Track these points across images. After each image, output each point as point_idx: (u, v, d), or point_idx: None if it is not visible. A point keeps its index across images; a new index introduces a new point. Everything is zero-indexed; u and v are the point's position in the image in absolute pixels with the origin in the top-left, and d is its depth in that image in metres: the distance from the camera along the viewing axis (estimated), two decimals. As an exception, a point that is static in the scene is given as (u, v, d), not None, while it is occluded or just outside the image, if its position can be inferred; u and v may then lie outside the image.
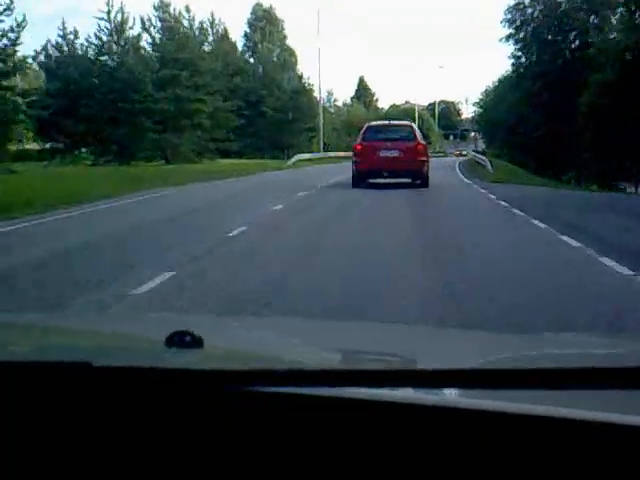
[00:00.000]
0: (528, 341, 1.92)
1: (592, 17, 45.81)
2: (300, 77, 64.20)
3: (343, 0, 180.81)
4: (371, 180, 20.89)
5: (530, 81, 45.59)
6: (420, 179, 20.67)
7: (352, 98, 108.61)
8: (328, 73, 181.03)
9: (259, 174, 34.05)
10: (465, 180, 28.79)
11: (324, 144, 53.85)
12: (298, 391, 1.08)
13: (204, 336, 1.31)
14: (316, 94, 64.62)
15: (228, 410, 1.08)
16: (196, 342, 1.29)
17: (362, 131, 22.24)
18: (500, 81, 61.86)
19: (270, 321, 3.18)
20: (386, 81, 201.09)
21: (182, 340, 1.29)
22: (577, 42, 46.39)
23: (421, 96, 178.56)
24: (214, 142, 50.36)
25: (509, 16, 47.30)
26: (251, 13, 65.84)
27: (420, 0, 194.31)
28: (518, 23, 47.32)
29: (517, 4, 47.18)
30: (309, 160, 48.19)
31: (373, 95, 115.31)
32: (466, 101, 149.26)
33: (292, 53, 65.27)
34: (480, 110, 75.32)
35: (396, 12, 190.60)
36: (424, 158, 20.92)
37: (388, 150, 20.62)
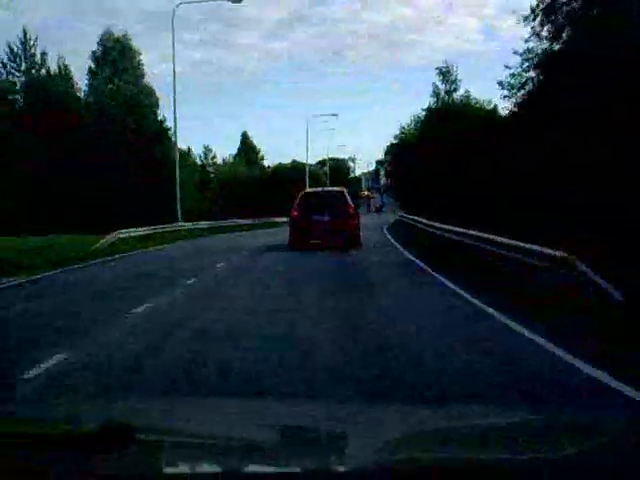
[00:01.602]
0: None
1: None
2: (161, 122, 50.50)
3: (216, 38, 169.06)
4: (310, 242, 22.30)
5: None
6: (352, 242, 22.09)
7: (235, 156, 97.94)
8: (205, 127, 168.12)
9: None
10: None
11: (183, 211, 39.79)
12: None
13: (136, 427, 1.34)
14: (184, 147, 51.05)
15: None
16: (128, 434, 1.30)
17: (298, 198, 23.93)
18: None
19: (199, 404, 2.89)
20: (272, 138, 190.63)
21: (113, 433, 1.29)
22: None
23: (310, 154, 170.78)
24: None
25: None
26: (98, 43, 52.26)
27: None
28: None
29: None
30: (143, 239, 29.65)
31: (258, 152, 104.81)
32: (354, 160, 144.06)
33: (151, 92, 51.61)
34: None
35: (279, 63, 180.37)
36: (356, 221, 22.98)
37: (322, 215, 22.51)
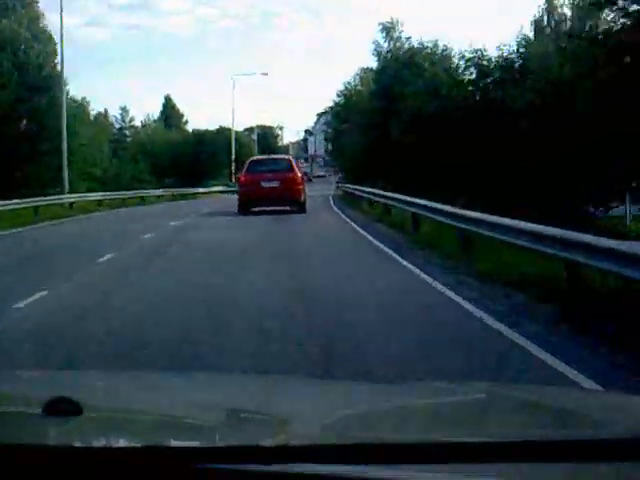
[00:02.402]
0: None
1: None
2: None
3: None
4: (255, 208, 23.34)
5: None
6: (298, 205, 23.39)
7: (156, 120, 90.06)
8: (122, 86, 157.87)
9: None
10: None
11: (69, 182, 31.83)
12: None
13: (82, 401, 1.33)
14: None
15: None
16: (75, 409, 1.30)
17: (246, 164, 25.86)
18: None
19: (145, 376, 2.99)
20: (199, 105, 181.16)
21: (60, 408, 1.29)
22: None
23: (238, 122, 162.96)
24: None
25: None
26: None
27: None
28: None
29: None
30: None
31: (182, 117, 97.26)
32: (281, 128, 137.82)
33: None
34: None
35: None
36: (301, 187, 23.81)
37: (269, 181, 23.28)
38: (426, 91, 27.68)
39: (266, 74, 70.15)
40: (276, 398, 1.97)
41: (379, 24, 50.50)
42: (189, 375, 3.35)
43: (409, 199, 16.66)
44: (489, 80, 24.66)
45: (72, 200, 30.02)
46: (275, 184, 23.06)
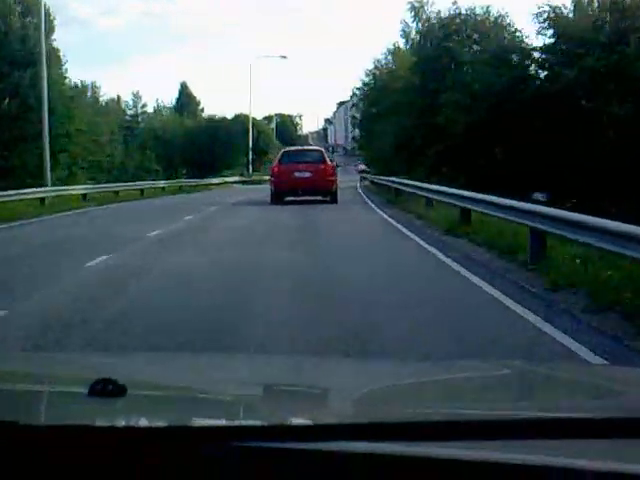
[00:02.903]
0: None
1: None
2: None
3: None
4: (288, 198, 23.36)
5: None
6: (330, 196, 23.40)
7: (174, 107, 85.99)
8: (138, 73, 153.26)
9: None
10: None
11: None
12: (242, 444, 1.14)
13: (127, 382, 1.38)
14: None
15: (153, 466, 1.13)
16: (119, 390, 1.35)
17: (278, 155, 26.32)
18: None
19: (190, 358, 2.97)
20: (216, 89, 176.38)
21: (105, 389, 1.34)
22: None
23: (256, 110, 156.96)
24: None
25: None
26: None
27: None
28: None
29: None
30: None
31: (198, 104, 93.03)
32: (301, 117, 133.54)
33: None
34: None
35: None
36: (333, 178, 23.78)
37: (301, 172, 23.37)
38: (493, 61, 22.22)
39: (285, 57, 64.66)
40: (310, 376, 2.05)
41: (408, 3, 45.90)
42: (228, 355, 3.75)
43: (520, 205, 10.04)
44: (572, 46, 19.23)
45: (42, 195, 24.08)
46: (308, 175, 23.27)
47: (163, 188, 37.42)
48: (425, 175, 23.28)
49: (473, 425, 1.25)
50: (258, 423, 1.36)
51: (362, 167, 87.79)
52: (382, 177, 31.17)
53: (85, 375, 1.55)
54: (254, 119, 67.25)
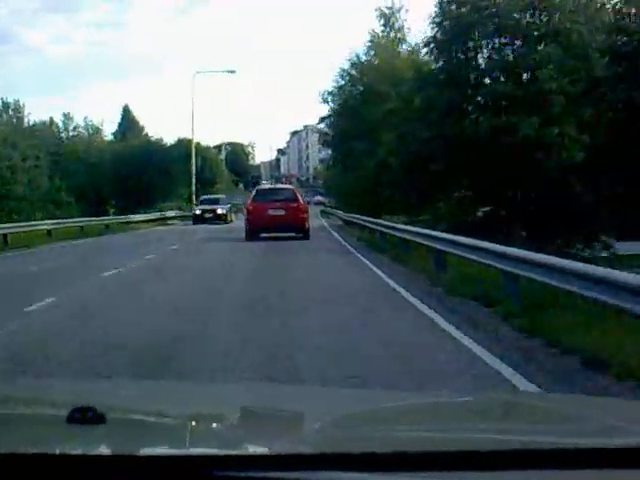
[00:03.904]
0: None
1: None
2: None
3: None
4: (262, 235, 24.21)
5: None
6: (302, 233, 24.24)
7: (115, 133, 78.38)
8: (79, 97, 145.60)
9: None
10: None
11: None
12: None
13: (105, 410, 1.35)
14: None
15: None
16: (98, 418, 1.33)
17: (252, 193, 27.48)
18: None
19: (169, 386, 3.07)
20: (161, 115, 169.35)
21: (84, 416, 1.32)
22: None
23: (205, 136, 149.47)
24: None
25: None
26: None
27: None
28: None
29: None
30: None
31: (142, 130, 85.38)
32: (253, 147, 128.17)
33: None
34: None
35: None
36: (305, 216, 24.84)
37: (275, 210, 24.22)
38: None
39: (233, 72, 57.30)
40: (288, 405, 2.02)
41: (376, 10, 40.15)
42: (207, 384, 4.02)
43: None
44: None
45: None
46: (281, 212, 24.12)
47: (49, 231, 26.78)
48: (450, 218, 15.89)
49: (452, 456, 1.24)
50: (238, 452, 1.35)
51: (319, 198, 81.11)
52: (367, 218, 25.37)
53: (64, 402, 1.55)
54: (199, 145, 59.67)
